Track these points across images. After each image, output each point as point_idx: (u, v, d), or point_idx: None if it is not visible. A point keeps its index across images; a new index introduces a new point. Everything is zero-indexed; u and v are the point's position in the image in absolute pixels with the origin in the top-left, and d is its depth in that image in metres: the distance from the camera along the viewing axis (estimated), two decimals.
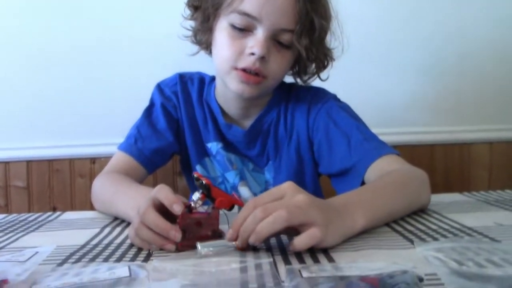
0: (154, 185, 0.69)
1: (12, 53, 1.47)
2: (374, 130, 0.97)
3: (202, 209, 0.65)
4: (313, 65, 1.00)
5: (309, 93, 1.03)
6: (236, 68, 0.90)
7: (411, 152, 1.52)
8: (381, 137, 0.96)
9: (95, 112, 1.49)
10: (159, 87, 1.08)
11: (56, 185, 1.51)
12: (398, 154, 0.90)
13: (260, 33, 0.87)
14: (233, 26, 0.89)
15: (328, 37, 0.97)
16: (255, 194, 1.04)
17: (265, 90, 0.95)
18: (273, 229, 0.58)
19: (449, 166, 1.56)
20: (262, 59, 0.88)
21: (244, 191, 1.05)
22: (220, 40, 0.92)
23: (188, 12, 1.00)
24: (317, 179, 1.06)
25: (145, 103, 1.09)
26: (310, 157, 1.03)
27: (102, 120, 1.49)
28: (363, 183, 0.87)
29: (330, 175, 1.00)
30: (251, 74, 0.89)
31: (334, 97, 1.04)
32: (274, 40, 0.90)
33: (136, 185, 0.89)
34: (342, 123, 0.97)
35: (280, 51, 0.91)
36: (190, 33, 1.01)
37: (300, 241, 0.58)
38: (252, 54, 0.87)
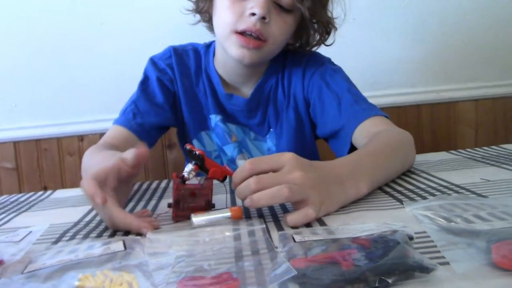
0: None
1: None
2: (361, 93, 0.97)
3: (196, 180, 0.66)
4: (316, 36, 1.00)
5: (304, 57, 1.03)
6: (236, 32, 0.89)
7: (399, 113, 1.54)
8: (368, 100, 0.96)
9: (81, 90, 1.47)
10: (153, 61, 1.06)
11: (45, 164, 1.50)
12: (387, 117, 0.91)
13: None
14: None
15: (329, 6, 0.97)
16: None
17: (265, 55, 0.94)
18: (271, 203, 0.59)
19: (436, 125, 1.57)
20: (263, 20, 0.87)
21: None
22: (220, 4, 0.91)
23: None
24: (314, 141, 1.08)
25: (132, 80, 1.07)
26: (308, 118, 1.04)
27: (88, 97, 1.47)
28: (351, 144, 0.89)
29: (326, 138, 1.01)
30: (251, 38, 0.88)
31: (329, 60, 1.05)
32: (275, 3, 0.89)
33: (103, 152, 0.83)
34: (334, 85, 0.97)
35: (281, 15, 0.90)
36: (191, 6, 1.00)
37: (294, 219, 0.58)
38: (253, 14, 0.86)
